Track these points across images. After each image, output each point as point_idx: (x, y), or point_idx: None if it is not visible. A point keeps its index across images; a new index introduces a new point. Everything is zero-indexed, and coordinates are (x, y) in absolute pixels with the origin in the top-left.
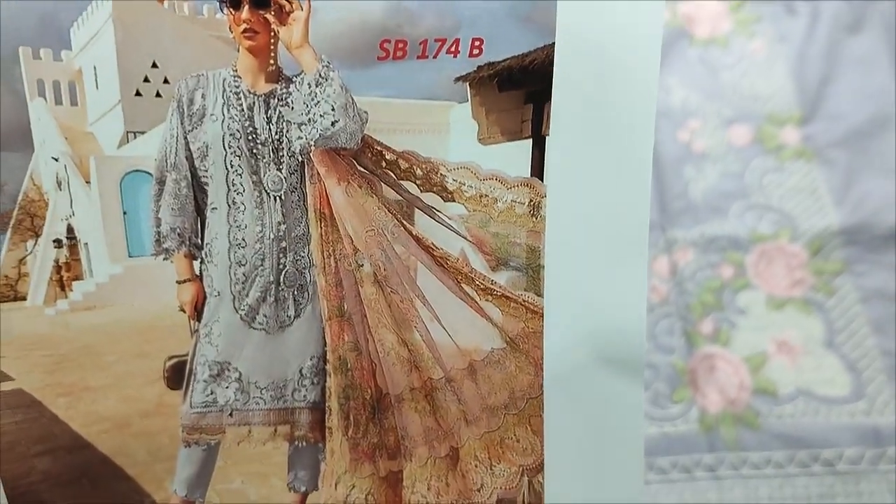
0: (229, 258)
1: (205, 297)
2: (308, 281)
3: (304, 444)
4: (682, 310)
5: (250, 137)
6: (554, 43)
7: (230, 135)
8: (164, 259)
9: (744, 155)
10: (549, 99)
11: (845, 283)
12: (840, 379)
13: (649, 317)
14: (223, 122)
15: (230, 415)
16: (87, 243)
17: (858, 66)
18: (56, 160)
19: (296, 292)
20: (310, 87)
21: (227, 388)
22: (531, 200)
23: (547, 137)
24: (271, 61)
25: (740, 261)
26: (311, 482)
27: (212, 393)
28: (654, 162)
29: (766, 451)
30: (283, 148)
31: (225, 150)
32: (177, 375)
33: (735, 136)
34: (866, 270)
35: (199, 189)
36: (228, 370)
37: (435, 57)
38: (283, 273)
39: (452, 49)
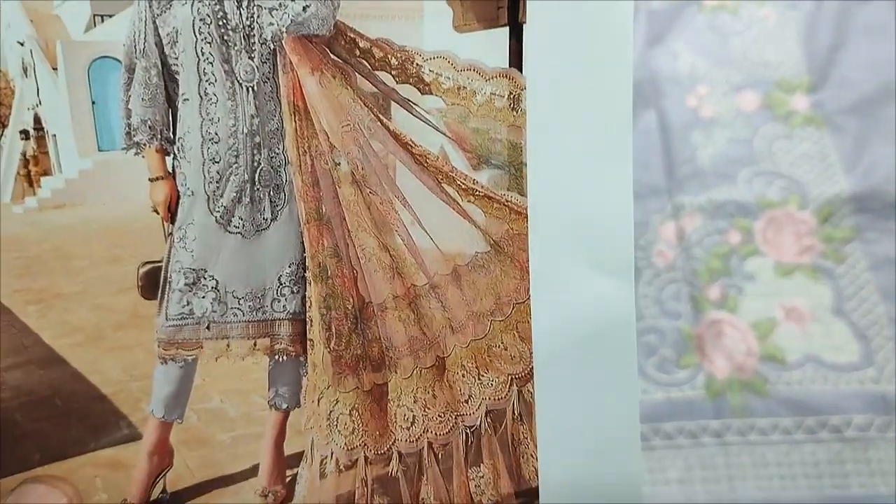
0: (202, 154)
1: (178, 198)
2: (284, 180)
3: (285, 358)
4: (688, 275)
5: (221, 23)
6: None
7: (200, 19)
8: (135, 154)
9: (753, 121)
10: None
11: (855, 250)
12: (849, 346)
13: (656, 281)
14: (192, 5)
15: (207, 327)
16: (55, 135)
17: (869, 34)
18: (21, 45)
19: (272, 192)
20: None
21: (203, 298)
22: (511, 93)
23: (524, 25)
24: None
25: (748, 227)
26: (292, 398)
27: (188, 304)
28: (662, 128)
29: (773, 418)
30: (254, 35)
31: (195, 35)
32: (151, 283)
33: (744, 102)
34: (876, 238)
35: (169, 79)
36: (204, 278)
37: None
38: (258, 171)
39: None
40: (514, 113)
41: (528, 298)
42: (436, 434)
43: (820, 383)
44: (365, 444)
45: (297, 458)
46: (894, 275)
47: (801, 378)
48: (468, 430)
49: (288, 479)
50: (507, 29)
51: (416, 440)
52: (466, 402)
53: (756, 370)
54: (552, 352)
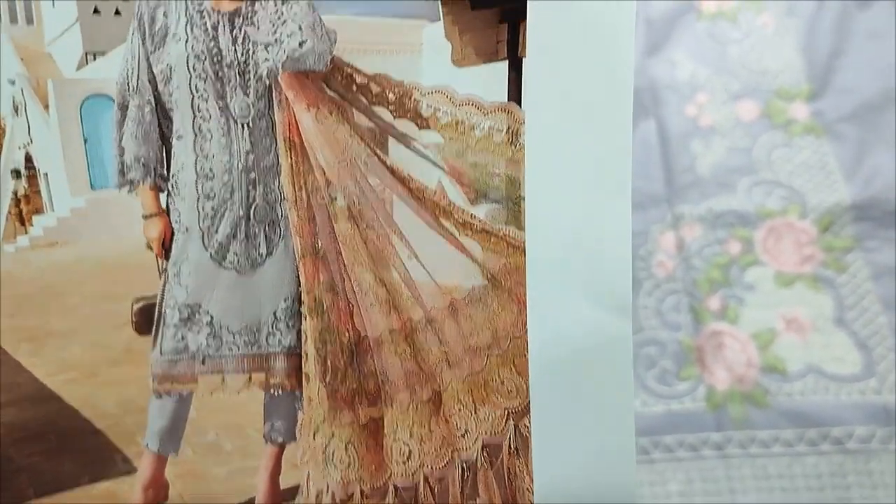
0: (197, 191)
1: (172, 234)
2: (280, 216)
3: (280, 392)
4: (688, 286)
5: (215, 59)
6: None
7: (194, 56)
8: (128, 192)
9: (752, 130)
10: (525, 18)
11: (856, 259)
12: (850, 356)
13: (656, 292)
14: (187, 42)
15: (202, 362)
16: (46, 173)
17: (868, 41)
18: (12, 83)
19: (267, 228)
20: (276, 6)
21: (198, 332)
22: (509, 127)
23: (524, 59)
24: None
25: (748, 237)
26: (288, 432)
27: (183, 338)
28: (661, 136)
29: (774, 430)
30: (249, 71)
31: (189, 72)
32: (145, 319)
33: (743, 110)
34: (877, 247)
35: (163, 116)
36: (199, 313)
37: None
38: (254, 207)
39: None
40: (513, 147)
41: (526, 333)
42: (432, 468)
43: (821, 394)
44: (361, 479)
45: (293, 491)
46: (895, 284)
47: (802, 389)
48: (464, 465)
49: None
50: (506, 63)
51: (413, 474)
52: (463, 436)
53: (757, 381)
54: (549, 384)
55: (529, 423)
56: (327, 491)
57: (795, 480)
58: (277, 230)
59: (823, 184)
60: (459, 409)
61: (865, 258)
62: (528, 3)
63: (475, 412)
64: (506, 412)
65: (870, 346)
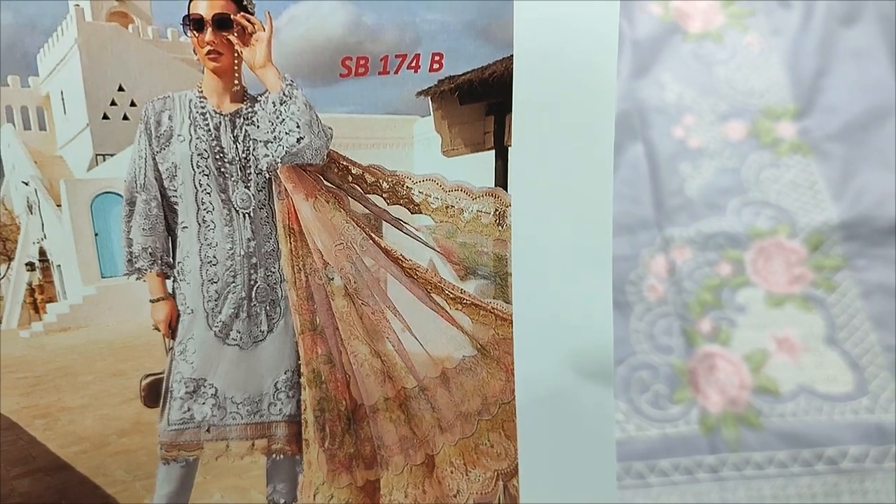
0: (201, 276)
1: (178, 315)
2: (280, 296)
3: (282, 456)
4: (680, 309)
5: (218, 156)
6: (512, 55)
7: (198, 154)
8: (136, 279)
9: (740, 150)
10: (510, 110)
11: (845, 278)
12: (842, 376)
13: (647, 316)
14: (191, 142)
15: (207, 430)
16: (59, 265)
17: (854, 59)
18: (26, 184)
19: (268, 307)
20: (274, 106)
21: (203, 404)
22: (496, 210)
23: (509, 148)
24: (236, 81)
25: (739, 258)
26: (289, 494)
27: (189, 410)
28: (650, 159)
29: (768, 451)
30: (250, 166)
31: (193, 169)
32: (153, 393)
33: (731, 131)
34: (866, 265)
35: (169, 209)
36: (204, 386)
37: (396, 72)
38: (255, 289)
39: (413, 64)
40: (500, 228)
41: (513, 399)
42: None
43: (814, 414)
44: None
45: None
46: (885, 302)
47: (794, 410)
48: None
49: None
50: (493, 152)
51: None
52: (455, 496)
53: (749, 403)
54: (535, 448)
55: (517, 483)
56: None
57: (790, 501)
58: (278, 309)
59: (811, 203)
60: (451, 472)
61: (855, 277)
62: (514, 97)
63: (466, 474)
64: (495, 473)
65: (861, 365)
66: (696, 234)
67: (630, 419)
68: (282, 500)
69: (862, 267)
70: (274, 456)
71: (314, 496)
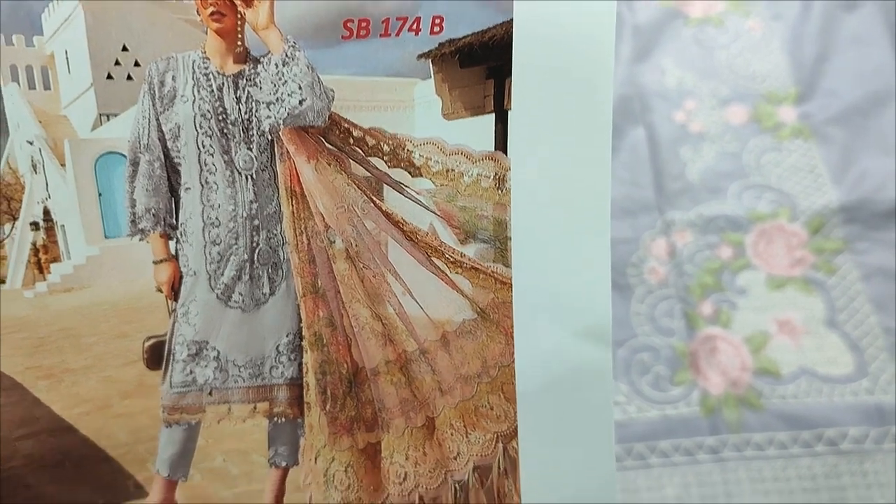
0: (204, 237)
1: (181, 277)
2: (281, 258)
3: (283, 419)
4: (681, 291)
5: (220, 117)
6: (512, 19)
7: (201, 115)
8: (139, 240)
9: (741, 134)
10: (510, 74)
11: (846, 261)
12: (842, 358)
13: (648, 298)
14: (194, 103)
15: (210, 393)
16: (63, 225)
17: (855, 44)
18: (31, 144)
19: (270, 270)
20: (277, 67)
21: (205, 367)
22: (496, 174)
23: (509, 112)
24: (238, 43)
25: (739, 241)
26: (291, 457)
27: (191, 372)
28: (651, 144)
29: (769, 432)
30: (252, 127)
31: (196, 130)
32: (156, 356)
33: (732, 115)
34: (867, 248)
35: (172, 170)
36: (206, 349)
37: (397, 35)
38: (257, 251)
39: (414, 27)
40: (500, 192)
41: (513, 361)
42: (426, 489)
43: (814, 396)
44: (360, 499)
45: None
46: (886, 285)
47: (795, 391)
48: (457, 485)
49: None
50: (493, 115)
51: (408, 494)
52: (455, 458)
53: (750, 385)
54: (535, 410)
55: (517, 445)
56: None
57: (790, 482)
58: (280, 271)
59: (812, 186)
60: (452, 434)
61: (855, 260)
62: (514, 61)
63: (466, 436)
64: (495, 435)
65: (862, 347)
66: (697, 218)
67: (631, 401)
68: (283, 463)
69: (862, 250)
70: (276, 419)
71: (315, 459)
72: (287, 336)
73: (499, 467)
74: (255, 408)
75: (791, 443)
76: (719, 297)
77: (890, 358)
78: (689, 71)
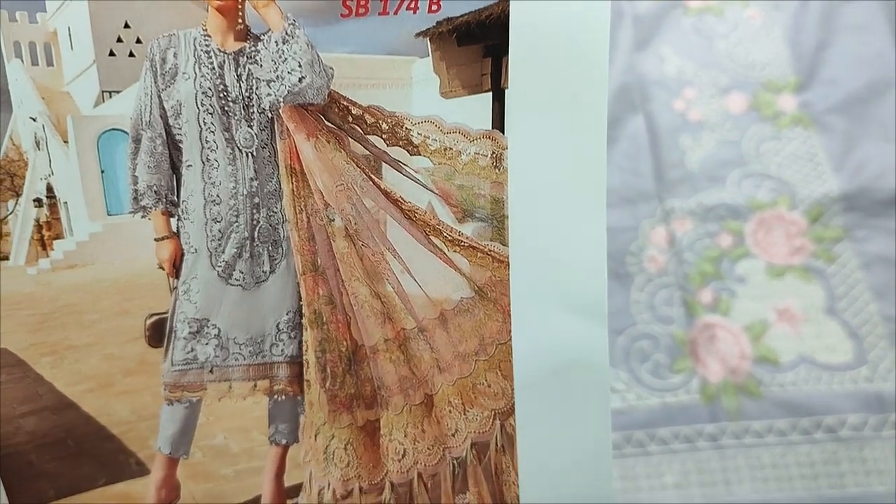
0: (205, 215)
1: (182, 254)
2: (282, 236)
3: (283, 397)
4: (680, 280)
5: (221, 95)
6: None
7: (202, 92)
8: (141, 217)
9: (741, 123)
10: (507, 52)
11: (845, 249)
12: (842, 345)
13: (648, 287)
14: (195, 80)
15: (210, 371)
16: (66, 202)
17: (854, 32)
18: (34, 120)
19: (270, 248)
20: (277, 45)
21: (206, 344)
22: (493, 153)
23: (506, 90)
24: (239, 20)
25: (739, 229)
26: (291, 434)
27: (192, 350)
28: (650, 132)
29: (768, 420)
30: (253, 105)
31: (198, 107)
32: (157, 333)
33: (732, 104)
34: (866, 236)
35: (173, 147)
36: (207, 327)
37: (396, 13)
38: (258, 228)
39: (412, 5)
40: (497, 171)
41: (510, 339)
42: (425, 465)
43: (814, 384)
44: (359, 476)
45: (297, 489)
46: (885, 273)
47: (794, 379)
48: (455, 462)
49: None
50: (490, 94)
51: (407, 471)
52: (453, 435)
53: (750, 373)
54: (532, 387)
55: (514, 422)
56: (328, 488)
57: (789, 469)
58: (280, 249)
59: (812, 175)
60: (450, 411)
61: (855, 248)
62: (510, 40)
63: (464, 413)
64: (493, 413)
65: (861, 335)
66: (697, 206)
67: (631, 388)
68: (283, 441)
69: (862, 238)
70: (276, 396)
71: (315, 436)
72: (287, 314)
73: (496, 444)
74: (255, 385)
75: (790, 430)
76: (719, 285)
77: (889, 345)
78: (688, 60)
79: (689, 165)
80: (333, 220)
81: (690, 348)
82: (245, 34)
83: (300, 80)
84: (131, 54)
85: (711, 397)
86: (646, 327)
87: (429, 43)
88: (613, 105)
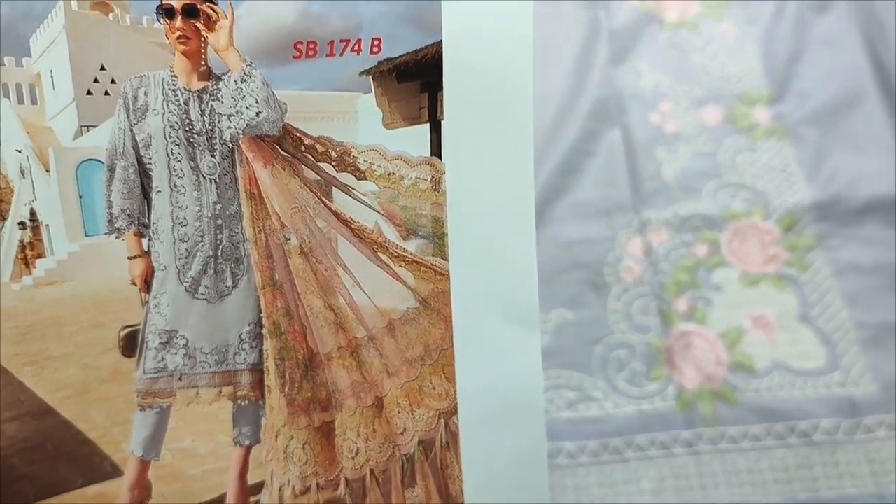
0: (173, 235)
1: (153, 271)
2: (243, 254)
3: (246, 402)
4: (656, 289)
5: (187, 128)
6: (441, 40)
7: (170, 126)
8: (116, 237)
9: (716, 135)
10: (441, 88)
11: (818, 257)
12: (815, 352)
13: (625, 296)
14: (163, 115)
15: (179, 379)
16: (48, 224)
17: (826, 45)
18: (20, 152)
19: (233, 265)
20: (236, 84)
21: (175, 354)
22: (433, 177)
23: (442, 122)
24: (202, 62)
25: (714, 239)
26: (253, 436)
27: (162, 359)
28: (627, 144)
29: (743, 426)
30: (215, 136)
31: (166, 139)
32: (130, 344)
33: (707, 116)
34: (839, 244)
35: (144, 175)
36: (176, 338)
37: (341, 55)
38: (221, 247)
39: (356, 48)
40: (436, 193)
41: (452, 345)
42: (376, 462)
43: (788, 389)
44: (316, 473)
45: (259, 487)
46: (857, 280)
47: (769, 385)
48: (404, 458)
49: None
50: (427, 125)
51: (360, 468)
52: (402, 434)
53: (725, 379)
54: (472, 388)
55: (457, 420)
56: (288, 485)
57: (764, 474)
58: (241, 266)
59: (785, 185)
60: (398, 412)
61: (827, 256)
62: (444, 77)
63: (412, 413)
64: (437, 412)
65: (833, 341)
66: (673, 217)
67: (608, 397)
68: (246, 442)
69: (834, 246)
70: (239, 402)
71: (276, 437)
72: (249, 325)
73: (441, 441)
74: (220, 391)
75: (764, 435)
76: (694, 293)
77: (861, 351)
78: (664, 73)
79: (666, 177)
80: (290, 239)
81: (666, 356)
82: (208, 74)
83: (257, 115)
84: (106, 93)
85: (687, 404)
86: (623, 336)
87: (371, 80)
88: (590, 119)
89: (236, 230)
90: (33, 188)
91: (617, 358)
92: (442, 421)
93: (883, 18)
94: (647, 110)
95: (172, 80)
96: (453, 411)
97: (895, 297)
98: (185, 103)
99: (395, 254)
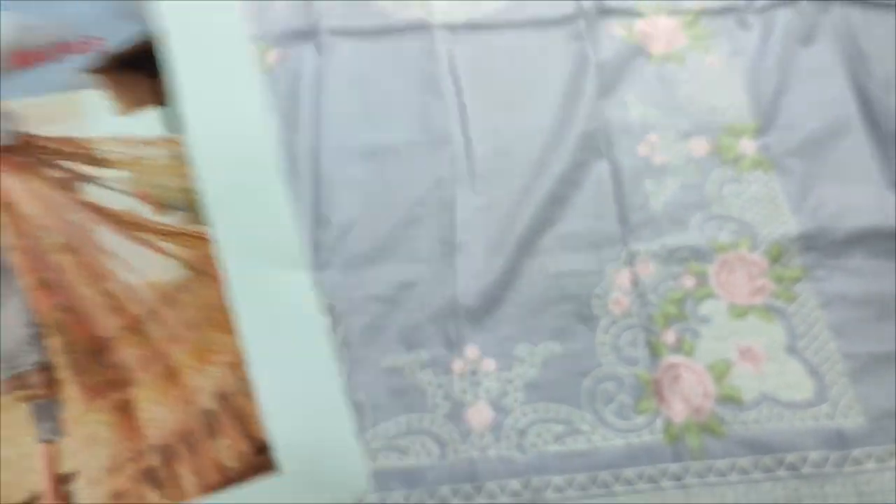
0: None
1: None
2: (9, 263)
3: (43, 400)
4: (645, 321)
5: None
6: (155, 30)
7: None
8: None
9: (703, 166)
10: (162, 72)
11: (805, 288)
12: (803, 383)
13: (613, 329)
14: None
15: None
16: None
17: (811, 76)
18: None
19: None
20: None
21: None
22: (171, 153)
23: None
24: None
25: (702, 271)
26: (55, 431)
27: None
28: (614, 177)
29: (731, 458)
30: None
31: None
32: None
33: (694, 148)
34: (825, 276)
35: None
36: None
37: (62, 58)
38: None
39: (77, 49)
40: (181, 166)
41: (228, 302)
42: (179, 424)
43: (776, 421)
44: (127, 449)
45: (71, 476)
46: (843, 311)
47: (757, 417)
48: (204, 414)
49: None
50: (156, 108)
51: (165, 434)
52: (198, 392)
53: (713, 412)
54: (257, 337)
55: (248, 370)
56: (100, 467)
57: None
58: (8, 273)
59: (772, 216)
60: (191, 373)
61: (814, 287)
62: (163, 62)
63: (203, 371)
64: (228, 365)
65: (821, 373)
66: (661, 249)
67: (595, 430)
68: (53, 437)
69: (821, 277)
70: (35, 401)
71: (79, 425)
72: (29, 328)
73: (237, 390)
74: (15, 396)
75: (753, 468)
76: (682, 325)
77: (850, 382)
78: (651, 106)
79: (653, 209)
80: (50, 238)
81: (655, 388)
82: None
83: None
84: None
85: (675, 437)
86: (611, 369)
87: (96, 76)
88: (579, 151)
89: None
90: None
91: (605, 391)
92: (233, 372)
93: (867, 50)
94: (634, 142)
95: None
96: (241, 361)
97: (882, 327)
98: None
99: (155, 229)
